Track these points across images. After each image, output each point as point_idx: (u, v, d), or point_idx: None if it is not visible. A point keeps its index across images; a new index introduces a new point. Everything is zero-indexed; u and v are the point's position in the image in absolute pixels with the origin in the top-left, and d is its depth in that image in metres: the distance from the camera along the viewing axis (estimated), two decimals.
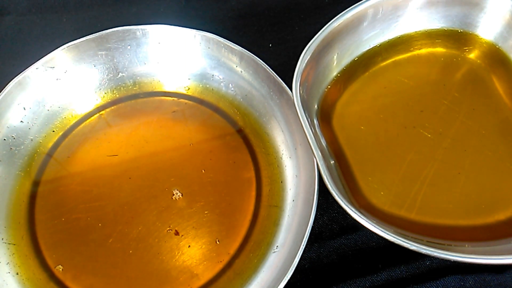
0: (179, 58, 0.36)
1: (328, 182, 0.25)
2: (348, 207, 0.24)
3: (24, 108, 0.33)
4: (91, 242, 0.30)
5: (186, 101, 0.36)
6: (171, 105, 0.36)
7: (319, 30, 0.31)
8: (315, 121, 0.31)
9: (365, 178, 0.29)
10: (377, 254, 0.30)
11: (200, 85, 0.36)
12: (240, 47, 0.33)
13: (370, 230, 0.24)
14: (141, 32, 0.35)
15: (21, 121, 0.33)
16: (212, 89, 0.36)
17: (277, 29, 0.42)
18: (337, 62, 0.34)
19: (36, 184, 0.32)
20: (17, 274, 0.29)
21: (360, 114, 0.32)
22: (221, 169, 0.32)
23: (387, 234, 0.24)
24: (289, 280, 0.25)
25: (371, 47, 0.34)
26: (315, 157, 0.27)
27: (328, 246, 0.31)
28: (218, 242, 0.30)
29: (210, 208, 0.31)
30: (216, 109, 0.35)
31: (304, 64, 0.30)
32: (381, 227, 0.24)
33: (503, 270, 0.29)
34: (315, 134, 0.28)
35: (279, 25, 0.43)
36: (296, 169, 0.31)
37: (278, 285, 0.25)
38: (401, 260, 0.30)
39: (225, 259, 0.29)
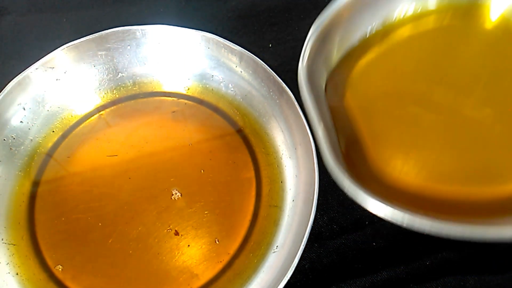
0: (179, 58, 0.36)
1: (326, 151, 0.25)
2: (340, 172, 0.24)
3: (24, 108, 0.34)
4: (91, 242, 0.30)
5: (186, 101, 0.36)
6: (171, 105, 0.36)
7: None
8: (325, 99, 0.30)
9: (380, 150, 0.29)
10: (377, 254, 0.30)
11: (200, 85, 0.36)
12: (240, 47, 0.33)
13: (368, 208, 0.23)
14: (141, 32, 0.35)
15: (21, 121, 0.33)
16: (212, 89, 0.36)
17: (277, 29, 0.42)
18: (349, 38, 0.33)
19: (36, 184, 0.32)
20: (17, 274, 0.29)
21: (376, 85, 0.31)
22: (221, 169, 0.32)
23: (378, 201, 0.23)
24: (289, 280, 0.25)
25: (390, 18, 0.34)
26: (318, 137, 0.26)
27: (328, 246, 0.31)
28: (218, 242, 0.30)
29: (210, 208, 0.31)
30: (216, 109, 0.35)
31: (313, 39, 0.29)
32: (382, 199, 0.23)
33: (503, 271, 0.29)
34: (321, 110, 0.27)
35: (279, 25, 0.43)
36: (296, 169, 0.31)
37: (278, 285, 0.25)
38: (401, 260, 0.30)
39: (225, 259, 0.29)
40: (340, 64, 0.32)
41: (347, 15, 0.32)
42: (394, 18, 0.34)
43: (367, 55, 0.33)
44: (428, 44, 0.33)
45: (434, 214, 0.25)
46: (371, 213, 0.32)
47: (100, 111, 0.36)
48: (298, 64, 0.28)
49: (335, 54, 0.33)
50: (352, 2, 0.31)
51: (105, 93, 0.36)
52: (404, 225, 0.23)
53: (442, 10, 0.34)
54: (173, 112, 0.35)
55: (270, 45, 0.41)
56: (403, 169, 0.28)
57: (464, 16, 0.34)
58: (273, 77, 0.32)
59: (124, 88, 0.37)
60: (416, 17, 0.34)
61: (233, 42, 0.33)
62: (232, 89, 0.35)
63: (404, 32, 0.34)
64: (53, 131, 0.35)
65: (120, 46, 0.35)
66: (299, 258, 0.25)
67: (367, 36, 0.33)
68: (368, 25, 0.33)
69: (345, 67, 0.32)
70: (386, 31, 0.34)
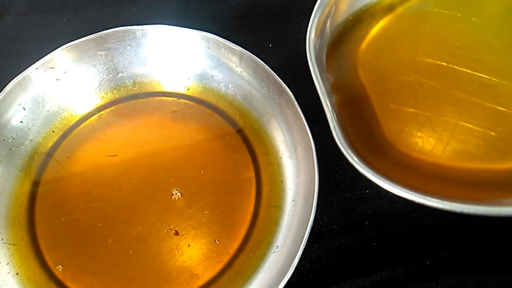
0: (179, 58, 0.36)
1: (335, 131, 0.24)
2: (350, 156, 0.23)
3: (24, 108, 0.33)
4: (91, 242, 0.30)
5: (186, 101, 0.36)
6: (171, 105, 0.36)
7: None
8: (324, 65, 0.29)
9: (390, 122, 0.28)
10: (377, 254, 0.30)
11: (200, 85, 0.36)
12: (240, 47, 0.33)
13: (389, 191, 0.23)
14: (141, 32, 0.35)
15: (21, 121, 0.33)
16: (212, 89, 0.36)
17: (277, 29, 0.42)
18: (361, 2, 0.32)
19: (36, 184, 0.32)
20: (17, 274, 0.29)
21: (389, 52, 0.30)
22: (221, 169, 0.32)
23: (393, 187, 0.22)
24: (289, 280, 0.25)
25: None
26: (324, 105, 0.25)
27: (328, 246, 0.31)
28: (218, 242, 0.30)
29: (210, 208, 0.31)
30: (216, 109, 0.35)
31: (324, 4, 0.28)
32: (393, 180, 0.22)
33: (503, 271, 0.29)
34: (325, 82, 0.26)
35: (279, 25, 0.43)
36: (296, 169, 0.31)
37: (278, 285, 0.25)
38: (401, 260, 0.30)
39: (225, 259, 0.29)
40: (347, 36, 0.31)
41: None
42: None
43: (377, 26, 0.31)
44: (440, 13, 0.31)
45: (444, 191, 0.24)
46: (371, 212, 0.32)
47: (100, 111, 0.36)
48: (306, 36, 0.27)
49: (342, 25, 0.31)
50: None
51: (105, 93, 0.36)
52: (415, 201, 0.23)
53: None
54: (173, 112, 0.35)
55: (270, 45, 0.41)
56: (417, 145, 0.27)
57: None
58: (273, 77, 0.32)
59: (124, 88, 0.37)
60: None
61: (233, 42, 0.33)
62: (232, 89, 0.35)
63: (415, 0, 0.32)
64: (53, 131, 0.35)
65: (120, 46, 0.35)
66: (299, 258, 0.25)
67: (376, 3, 0.32)
68: None
69: (354, 38, 0.31)
70: None
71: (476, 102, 0.28)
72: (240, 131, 0.34)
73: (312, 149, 0.28)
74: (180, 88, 0.37)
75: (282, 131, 0.33)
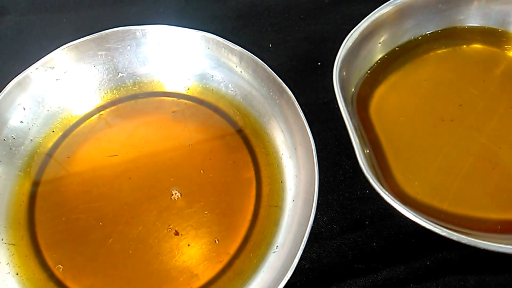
0: (179, 58, 0.36)
1: (364, 168, 0.26)
2: (383, 192, 0.25)
3: (24, 108, 0.34)
4: (91, 242, 0.30)
5: (186, 101, 0.36)
6: (171, 105, 0.36)
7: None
8: (353, 109, 0.31)
9: (399, 167, 0.30)
10: (377, 254, 0.30)
11: (200, 85, 0.36)
12: (240, 47, 0.33)
13: (404, 216, 0.25)
14: (141, 32, 0.35)
15: (21, 121, 0.33)
16: (212, 89, 0.36)
17: (277, 29, 0.42)
18: (379, 51, 0.34)
19: (36, 184, 0.32)
20: (17, 274, 0.29)
21: (398, 104, 0.32)
22: (221, 169, 0.32)
23: (421, 220, 0.24)
24: (289, 280, 0.25)
25: (413, 38, 0.35)
26: (353, 144, 0.27)
27: (328, 246, 0.31)
28: (217, 242, 0.30)
29: (210, 208, 0.31)
30: (216, 109, 0.35)
31: (346, 50, 0.30)
32: (414, 213, 0.25)
33: (503, 271, 0.29)
34: (352, 120, 0.29)
35: (279, 25, 0.43)
36: (296, 169, 0.31)
37: (278, 285, 0.25)
38: (401, 260, 0.30)
39: (225, 259, 0.29)
40: (370, 76, 0.34)
41: (390, 21, 0.33)
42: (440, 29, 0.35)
43: (398, 70, 0.34)
44: (455, 65, 0.34)
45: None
46: (371, 212, 0.32)
47: (100, 111, 0.36)
48: (333, 71, 0.30)
49: (368, 64, 0.34)
50: (395, 11, 0.33)
51: (105, 93, 0.36)
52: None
53: (469, 33, 0.35)
54: (173, 112, 0.35)
55: (270, 45, 0.41)
56: (422, 190, 0.29)
57: (494, 40, 0.35)
58: (273, 77, 0.32)
59: (124, 88, 0.37)
60: (447, 35, 0.35)
61: (233, 42, 0.33)
62: (232, 89, 0.35)
63: (433, 49, 0.35)
64: (53, 131, 0.35)
65: (120, 46, 0.35)
66: (299, 258, 0.25)
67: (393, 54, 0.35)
68: (397, 41, 0.35)
69: (373, 80, 0.34)
70: (416, 46, 0.35)
71: (477, 157, 0.30)
72: (240, 131, 0.34)
73: (312, 149, 0.28)
74: (180, 88, 0.37)
75: (282, 131, 0.33)
